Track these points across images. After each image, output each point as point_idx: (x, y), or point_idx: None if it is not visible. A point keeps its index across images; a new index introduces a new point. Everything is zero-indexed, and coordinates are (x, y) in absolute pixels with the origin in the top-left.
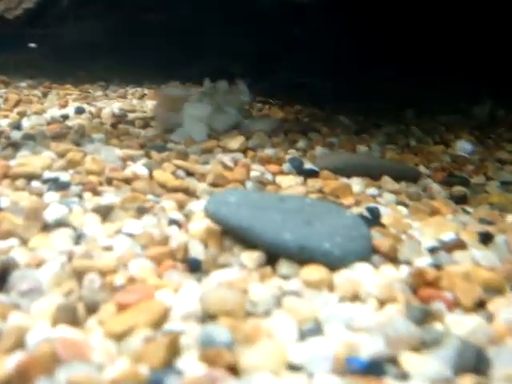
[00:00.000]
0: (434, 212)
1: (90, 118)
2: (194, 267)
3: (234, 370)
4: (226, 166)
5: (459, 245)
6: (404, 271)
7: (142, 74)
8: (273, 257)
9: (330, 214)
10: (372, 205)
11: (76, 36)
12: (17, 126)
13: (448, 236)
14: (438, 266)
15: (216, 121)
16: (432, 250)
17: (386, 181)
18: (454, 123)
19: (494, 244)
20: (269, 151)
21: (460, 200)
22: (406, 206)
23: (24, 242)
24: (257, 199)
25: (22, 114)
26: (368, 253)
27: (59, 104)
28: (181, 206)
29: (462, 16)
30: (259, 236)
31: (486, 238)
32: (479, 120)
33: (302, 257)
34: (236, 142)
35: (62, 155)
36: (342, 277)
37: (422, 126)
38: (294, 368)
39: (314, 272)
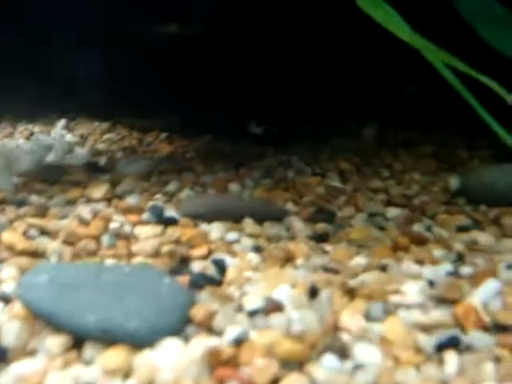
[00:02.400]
0: (288, 256)
1: None
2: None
3: None
4: (82, 220)
5: (276, 307)
6: (206, 348)
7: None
8: (80, 340)
9: (147, 284)
10: (220, 256)
11: None
12: None
13: (279, 292)
14: (241, 339)
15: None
16: (252, 314)
17: (247, 223)
18: (338, 148)
19: (318, 300)
20: (132, 199)
21: (321, 238)
22: (261, 251)
23: None
24: (71, 274)
25: None
26: (182, 325)
27: None
28: (23, 273)
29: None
30: (62, 320)
31: (313, 293)
32: (367, 143)
33: (107, 339)
34: (100, 190)
35: None
36: (142, 360)
37: (306, 153)
38: None
39: (113, 356)
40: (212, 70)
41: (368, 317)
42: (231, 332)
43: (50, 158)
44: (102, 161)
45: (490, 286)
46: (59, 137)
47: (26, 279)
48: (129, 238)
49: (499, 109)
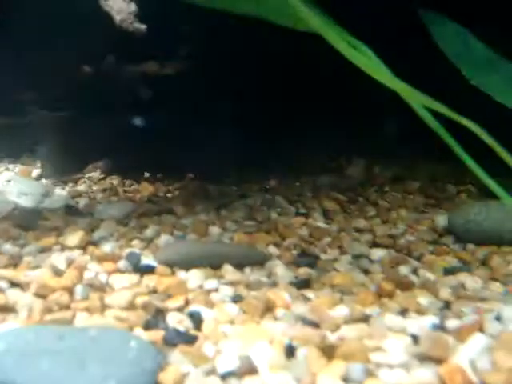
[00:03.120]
0: (268, 306)
1: None
2: None
3: None
4: (55, 270)
5: (250, 370)
6: None
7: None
8: None
9: (112, 349)
10: (197, 308)
11: None
12: None
13: (256, 350)
14: None
15: None
16: (225, 377)
17: (227, 270)
18: (324, 187)
19: (295, 361)
20: (109, 246)
21: (303, 285)
22: (240, 300)
23: None
24: (30, 340)
25: None
26: None
27: None
28: None
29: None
30: None
31: (290, 352)
32: (354, 180)
33: None
34: (76, 236)
35: None
36: None
37: (290, 192)
38: None
39: None
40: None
41: (347, 379)
42: None
43: (27, 202)
44: (82, 203)
45: (477, 341)
46: (37, 180)
47: None
48: (103, 288)
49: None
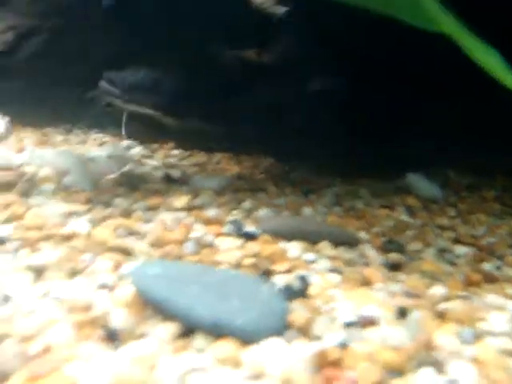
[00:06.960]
0: (365, 280)
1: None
2: (112, 337)
3: None
4: (166, 226)
5: (370, 322)
6: (313, 349)
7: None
8: (190, 330)
9: (248, 288)
10: (303, 273)
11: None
12: None
13: (368, 309)
14: (343, 345)
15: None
16: (348, 325)
17: (324, 246)
18: (401, 187)
19: (408, 320)
20: (212, 211)
21: (394, 267)
22: (339, 273)
23: None
24: (179, 271)
25: None
26: (282, 329)
27: (16, 148)
28: (116, 267)
29: None
30: (175, 309)
31: (401, 314)
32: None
33: (216, 332)
34: (181, 200)
35: (4, 207)
36: (251, 354)
37: (373, 186)
38: None
39: (224, 347)
40: None
41: (459, 339)
42: (332, 338)
43: (125, 166)
44: (176, 174)
45: None
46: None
47: (138, 270)
48: (211, 247)
49: None
